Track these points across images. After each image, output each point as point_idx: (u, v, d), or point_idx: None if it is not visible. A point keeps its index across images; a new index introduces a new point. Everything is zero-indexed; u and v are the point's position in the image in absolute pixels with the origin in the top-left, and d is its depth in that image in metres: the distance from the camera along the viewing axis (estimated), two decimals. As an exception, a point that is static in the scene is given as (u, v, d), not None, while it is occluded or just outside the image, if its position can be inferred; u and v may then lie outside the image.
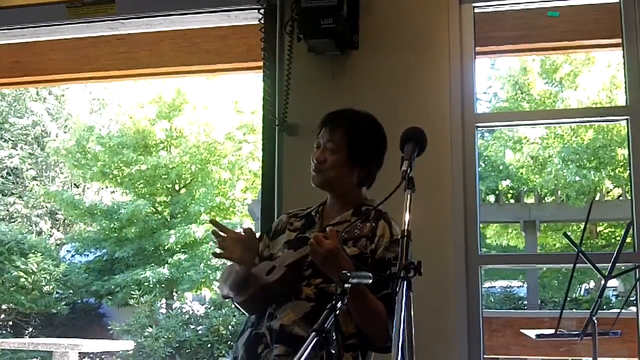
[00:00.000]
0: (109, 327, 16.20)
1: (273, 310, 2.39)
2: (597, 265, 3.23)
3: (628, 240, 3.43)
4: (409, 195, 1.89)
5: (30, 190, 22.14)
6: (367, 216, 2.42)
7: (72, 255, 20.10)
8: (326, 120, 2.58)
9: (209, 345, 14.96)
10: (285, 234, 2.61)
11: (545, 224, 18.22)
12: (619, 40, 3.61)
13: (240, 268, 2.47)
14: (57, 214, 22.30)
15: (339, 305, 1.77)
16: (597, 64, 17.45)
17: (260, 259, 2.56)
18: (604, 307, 14.88)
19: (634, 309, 3.52)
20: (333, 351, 1.73)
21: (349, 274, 1.85)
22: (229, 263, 2.61)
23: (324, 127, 2.56)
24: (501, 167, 19.09)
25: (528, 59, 18.11)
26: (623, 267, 3.40)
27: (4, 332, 17.33)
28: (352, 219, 2.46)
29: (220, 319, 15.08)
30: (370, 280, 1.98)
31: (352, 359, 2.36)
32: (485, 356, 3.43)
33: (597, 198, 17.67)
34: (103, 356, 14.33)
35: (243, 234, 2.47)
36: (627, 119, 3.49)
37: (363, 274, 1.92)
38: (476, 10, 3.70)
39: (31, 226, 21.76)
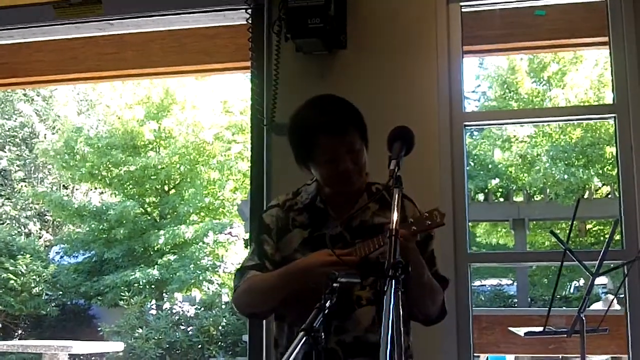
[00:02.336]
0: (99, 329, 16.18)
1: (339, 323, 2.25)
2: (586, 262, 3.25)
3: (617, 237, 3.45)
4: (396, 195, 1.89)
5: (19, 192, 22.10)
6: (384, 199, 2.27)
7: (61, 257, 20.08)
8: (323, 126, 2.28)
9: (199, 346, 14.96)
10: (295, 232, 2.40)
11: (534, 222, 18.30)
12: (606, 39, 3.62)
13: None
14: (45, 215, 22.25)
15: (327, 304, 1.77)
16: (585, 63, 17.52)
17: (271, 263, 2.39)
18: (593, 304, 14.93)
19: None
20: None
21: (337, 274, 1.85)
22: (251, 274, 2.39)
23: (323, 136, 2.27)
24: (490, 166, 19.16)
25: (516, 58, 18.18)
26: (612, 265, 3.41)
27: (-7, 334, 17.29)
28: (371, 205, 2.35)
29: (211, 319, 15.09)
30: (359, 280, 1.98)
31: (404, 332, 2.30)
32: (474, 354, 3.44)
33: (585, 196, 17.76)
34: (93, 358, 14.29)
35: None
36: (614, 117, 3.50)
37: (352, 273, 1.93)
38: (463, 10, 3.71)
39: (20, 228, 21.69)
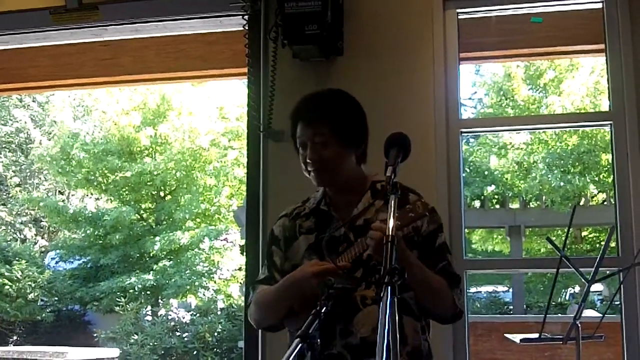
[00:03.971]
0: (94, 335, 16.15)
1: (344, 326, 2.23)
2: (581, 269, 3.24)
3: (612, 244, 3.44)
4: (393, 201, 1.88)
5: (14, 198, 22.04)
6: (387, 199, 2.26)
7: (57, 263, 20.04)
8: (298, 116, 2.40)
9: (194, 353, 14.93)
10: (301, 239, 2.41)
11: (530, 229, 18.31)
12: (602, 46, 3.63)
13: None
14: (41, 221, 22.21)
15: (323, 310, 1.77)
16: (581, 70, 17.55)
17: (280, 273, 2.41)
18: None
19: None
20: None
21: (332, 280, 1.84)
22: (260, 289, 2.43)
23: (299, 123, 2.38)
24: (486, 173, 19.15)
25: (512, 65, 18.20)
26: (608, 272, 3.41)
27: (-12, 340, 17.25)
28: (376, 202, 2.28)
29: (206, 326, 15.07)
30: (353, 287, 1.96)
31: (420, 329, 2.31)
32: (469, 361, 3.44)
33: (581, 203, 17.78)
34: (88, 364, 14.27)
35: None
36: (610, 124, 3.51)
37: (347, 278, 1.92)
38: (460, 17, 3.72)
39: (15, 233, 21.66)
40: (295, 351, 1.69)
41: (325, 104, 2.41)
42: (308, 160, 2.33)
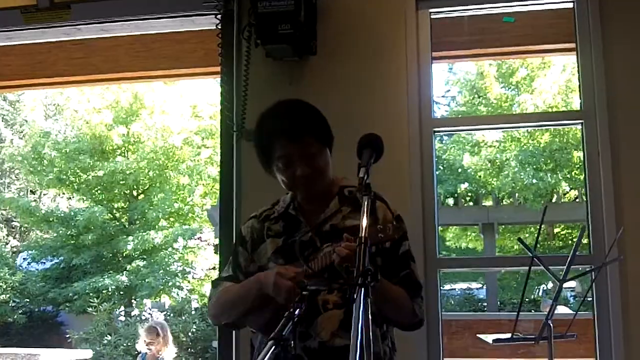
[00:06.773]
0: (67, 336, 16.01)
1: (304, 329, 2.22)
2: (554, 267, 3.26)
3: (584, 241, 3.47)
4: (365, 202, 1.88)
5: (-15, 198, 21.81)
6: (356, 201, 2.24)
7: (29, 263, 19.83)
8: (276, 133, 2.30)
9: (169, 352, 14.85)
10: (268, 242, 2.40)
11: (503, 226, 18.44)
12: (573, 45, 3.66)
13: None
14: (13, 221, 21.98)
15: (296, 312, 1.76)
16: (553, 68, 17.70)
17: (244, 274, 2.41)
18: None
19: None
20: None
21: (305, 282, 1.84)
22: (223, 286, 2.43)
23: (280, 141, 2.29)
24: (459, 170, 19.27)
25: (485, 64, 18.32)
26: (580, 269, 3.43)
27: (-41, 342, 17.06)
28: (343, 209, 2.31)
29: (180, 325, 14.99)
30: (326, 288, 1.96)
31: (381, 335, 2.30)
32: (444, 359, 3.45)
33: (553, 200, 17.93)
34: (61, 365, 14.15)
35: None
36: (581, 123, 3.54)
37: (321, 280, 1.92)
38: (433, 16, 3.73)
39: (-14, 234, 21.42)
40: (270, 353, 1.69)
41: (301, 116, 2.35)
42: (298, 175, 2.29)
